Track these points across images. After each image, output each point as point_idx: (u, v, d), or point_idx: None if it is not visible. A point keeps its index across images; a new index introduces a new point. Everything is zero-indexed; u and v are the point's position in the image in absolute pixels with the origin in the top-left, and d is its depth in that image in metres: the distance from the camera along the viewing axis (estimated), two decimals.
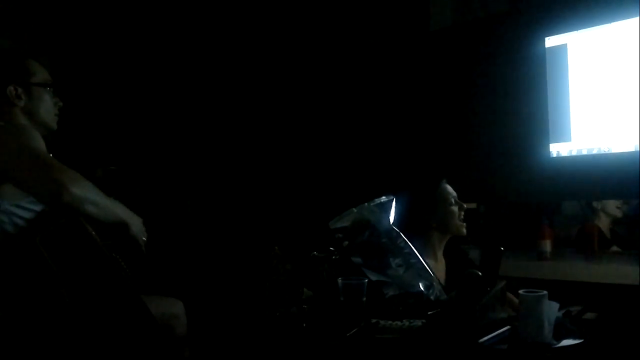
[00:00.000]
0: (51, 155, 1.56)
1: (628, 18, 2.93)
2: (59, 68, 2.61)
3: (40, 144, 1.50)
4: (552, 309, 1.46)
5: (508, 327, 1.52)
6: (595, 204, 3.04)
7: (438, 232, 2.15)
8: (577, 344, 1.43)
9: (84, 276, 1.31)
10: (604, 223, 3.10)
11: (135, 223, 1.52)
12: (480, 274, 1.62)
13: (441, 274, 2.12)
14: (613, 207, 2.99)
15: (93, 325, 1.29)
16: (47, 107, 1.73)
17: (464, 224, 2.17)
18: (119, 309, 1.34)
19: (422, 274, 1.80)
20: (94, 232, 1.39)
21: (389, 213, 1.83)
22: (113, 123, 2.97)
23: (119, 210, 1.49)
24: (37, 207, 1.41)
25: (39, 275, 1.27)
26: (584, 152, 3.10)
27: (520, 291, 1.49)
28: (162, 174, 3.01)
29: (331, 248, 1.84)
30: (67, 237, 1.33)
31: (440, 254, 2.18)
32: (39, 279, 1.27)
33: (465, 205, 2.18)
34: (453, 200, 2.16)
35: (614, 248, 2.96)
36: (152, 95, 3.09)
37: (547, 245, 2.84)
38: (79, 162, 1.57)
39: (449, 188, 2.20)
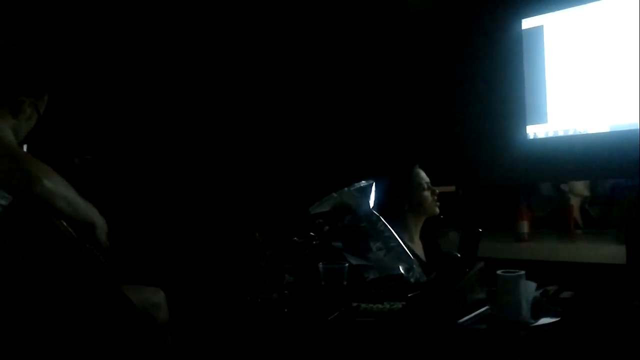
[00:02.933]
0: (26, 145, 1.54)
1: None
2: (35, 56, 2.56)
3: (10, 135, 1.47)
4: (529, 289, 1.49)
5: (487, 307, 1.55)
6: (563, 185, 3.07)
7: (412, 215, 2.20)
8: (554, 322, 1.46)
9: (60, 270, 1.29)
10: (573, 204, 3.14)
11: (101, 225, 1.49)
12: (459, 255, 1.64)
13: (420, 257, 2.15)
14: (581, 187, 3.03)
15: (74, 319, 1.28)
16: None
17: (438, 203, 2.21)
18: (100, 301, 1.33)
19: (402, 257, 1.81)
20: (65, 224, 1.37)
21: (369, 197, 1.84)
22: (90, 111, 2.92)
23: (88, 210, 1.45)
24: (4, 202, 1.37)
25: (11, 274, 1.24)
26: (560, 134, 3.14)
27: (499, 271, 1.51)
28: (141, 162, 2.98)
29: (312, 233, 1.85)
30: (38, 233, 1.30)
31: (416, 236, 2.22)
32: (11, 277, 1.25)
33: (437, 190, 2.23)
34: (425, 185, 2.21)
35: (580, 231, 2.98)
36: (128, 83, 3.05)
37: (525, 227, 2.88)
38: (55, 151, 1.54)
39: (422, 173, 2.25)
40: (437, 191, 2.23)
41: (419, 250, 2.19)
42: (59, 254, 1.30)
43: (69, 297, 1.28)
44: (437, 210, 2.22)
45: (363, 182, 1.87)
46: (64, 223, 1.37)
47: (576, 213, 3.11)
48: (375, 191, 1.86)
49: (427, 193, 2.20)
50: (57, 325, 1.26)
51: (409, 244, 2.02)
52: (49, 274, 1.27)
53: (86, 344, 1.28)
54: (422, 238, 2.24)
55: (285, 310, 1.64)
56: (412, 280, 1.78)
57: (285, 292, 1.71)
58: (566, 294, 1.67)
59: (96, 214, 1.47)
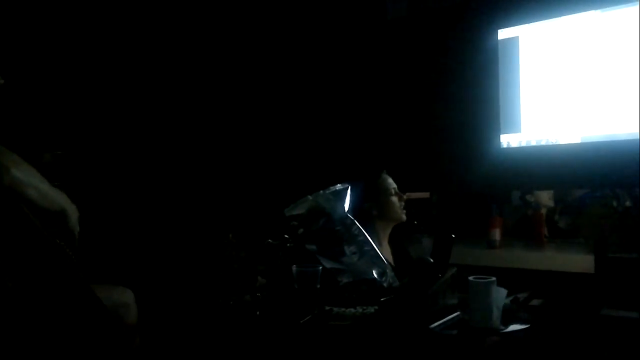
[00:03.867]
0: None
1: (578, 12, 3.02)
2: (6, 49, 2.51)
3: None
4: (500, 295, 1.50)
5: (458, 312, 1.56)
6: (528, 196, 3.12)
7: (379, 220, 2.21)
8: (524, 328, 1.47)
9: (29, 265, 1.26)
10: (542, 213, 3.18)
11: (74, 214, 1.46)
12: (432, 261, 1.65)
13: (389, 261, 2.16)
14: (546, 198, 3.08)
15: (41, 316, 1.25)
16: None
17: (404, 210, 2.23)
18: (68, 298, 1.30)
19: (375, 261, 1.82)
20: (35, 219, 1.33)
21: (344, 201, 1.84)
22: (61, 106, 2.87)
23: (60, 198, 1.42)
24: None
25: None
26: (533, 144, 3.19)
27: (470, 278, 1.52)
28: (112, 159, 2.93)
29: (286, 235, 1.84)
30: (7, 224, 1.26)
31: (385, 241, 2.23)
32: None
33: (405, 196, 2.25)
34: (393, 191, 2.23)
35: (549, 240, 3.02)
36: (100, 77, 3.00)
37: (497, 234, 2.91)
38: (25, 146, 1.51)
39: (390, 179, 2.27)
40: (405, 197, 2.25)
41: (387, 255, 2.21)
42: (29, 245, 1.27)
43: (36, 292, 1.25)
44: (404, 216, 2.24)
45: (338, 185, 1.87)
46: (34, 219, 1.34)
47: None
48: (350, 195, 1.86)
49: (394, 199, 2.22)
50: (23, 321, 1.22)
51: (379, 249, 2.03)
52: (17, 266, 1.24)
53: (53, 343, 1.25)
54: (390, 243, 2.26)
55: (258, 312, 1.63)
56: (385, 284, 1.79)
57: (258, 294, 1.69)
58: (536, 302, 1.69)
59: (67, 201, 1.45)
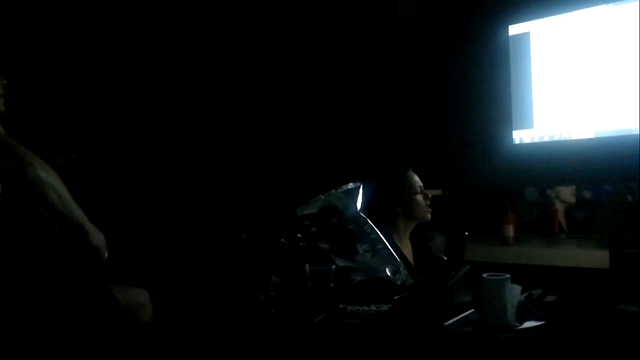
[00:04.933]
0: None
1: (589, 6, 3.00)
2: (18, 52, 2.53)
3: None
4: (514, 292, 1.49)
5: (472, 310, 1.55)
6: (549, 191, 3.10)
7: (403, 218, 2.20)
8: (539, 325, 1.47)
9: (47, 264, 1.28)
10: (559, 210, 3.17)
11: (97, 236, 1.44)
12: (445, 258, 1.65)
13: (408, 259, 2.16)
14: (568, 194, 3.06)
15: (59, 317, 1.26)
16: None
17: (429, 209, 2.21)
18: (85, 298, 1.31)
19: (388, 259, 1.82)
20: (52, 220, 1.34)
21: (356, 199, 1.84)
22: (75, 110, 2.90)
23: (79, 213, 1.42)
24: None
25: None
26: (546, 139, 3.17)
27: (484, 275, 1.52)
28: (126, 161, 2.95)
29: (299, 235, 1.84)
30: (26, 224, 1.27)
31: (406, 239, 2.22)
32: None
33: (430, 195, 2.23)
34: (419, 189, 2.21)
35: (564, 235, 3.00)
36: (113, 81, 3.02)
37: (510, 231, 2.90)
38: (39, 149, 1.53)
39: (415, 177, 2.25)
40: (430, 196, 2.23)
41: (408, 253, 2.20)
42: (46, 247, 1.27)
43: (54, 293, 1.26)
44: (429, 215, 2.22)
45: (350, 184, 1.87)
46: (52, 221, 1.35)
47: (561, 218, 3.13)
48: (363, 193, 1.86)
49: (419, 197, 2.20)
50: (42, 322, 1.24)
51: (398, 246, 2.03)
52: (35, 267, 1.24)
53: (71, 343, 1.26)
54: (411, 240, 2.25)
55: (271, 311, 1.63)
56: (398, 282, 1.78)
57: (272, 293, 1.70)
58: (550, 298, 1.68)
59: (87, 221, 1.43)
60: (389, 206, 2.18)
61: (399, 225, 2.19)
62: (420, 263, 2.14)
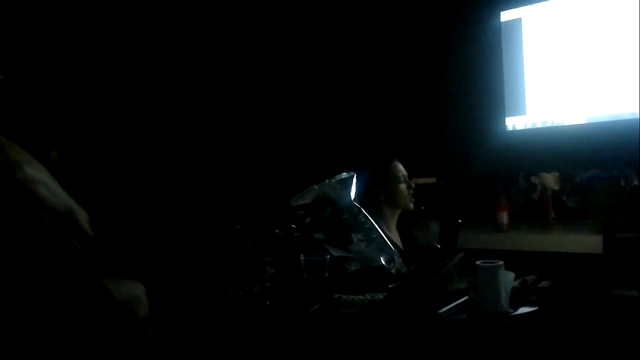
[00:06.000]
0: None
1: None
2: (11, 46, 2.51)
3: None
4: (508, 279, 1.50)
5: (466, 297, 1.56)
6: (533, 178, 3.11)
7: (387, 207, 2.21)
8: (533, 311, 1.48)
9: (40, 259, 1.27)
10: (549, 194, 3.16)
11: (82, 216, 1.46)
12: (439, 246, 1.65)
13: (398, 246, 2.17)
14: (551, 181, 3.06)
15: (53, 311, 1.26)
16: None
17: (413, 199, 2.23)
18: (78, 292, 1.31)
19: (383, 248, 1.82)
20: (44, 215, 1.34)
21: (350, 189, 1.84)
22: (68, 103, 2.88)
23: (69, 200, 1.43)
24: None
25: None
26: (539, 125, 3.18)
27: (478, 262, 1.52)
28: (120, 154, 2.94)
29: (293, 225, 1.84)
30: (18, 220, 1.27)
31: (393, 227, 2.24)
32: None
33: (414, 185, 2.24)
34: (402, 178, 2.23)
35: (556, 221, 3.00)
36: (105, 74, 3.01)
37: (504, 217, 2.91)
38: (32, 143, 1.52)
39: (400, 166, 2.26)
40: (414, 186, 2.24)
41: (397, 241, 2.21)
42: (39, 241, 1.27)
43: (48, 288, 1.26)
44: (412, 205, 2.24)
45: (344, 174, 1.87)
46: (45, 216, 1.35)
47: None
48: (356, 183, 1.87)
49: (402, 186, 2.22)
50: (35, 316, 1.24)
51: (388, 235, 2.04)
52: (28, 262, 1.25)
53: (65, 337, 1.26)
54: (398, 229, 2.26)
55: (267, 302, 1.64)
56: (393, 271, 1.79)
57: (267, 284, 1.70)
58: (544, 284, 1.69)
59: (75, 204, 1.45)
60: (373, 194, 2.19)
61: (385, 213, 2.21)
62: (408, 251, 2.15)
